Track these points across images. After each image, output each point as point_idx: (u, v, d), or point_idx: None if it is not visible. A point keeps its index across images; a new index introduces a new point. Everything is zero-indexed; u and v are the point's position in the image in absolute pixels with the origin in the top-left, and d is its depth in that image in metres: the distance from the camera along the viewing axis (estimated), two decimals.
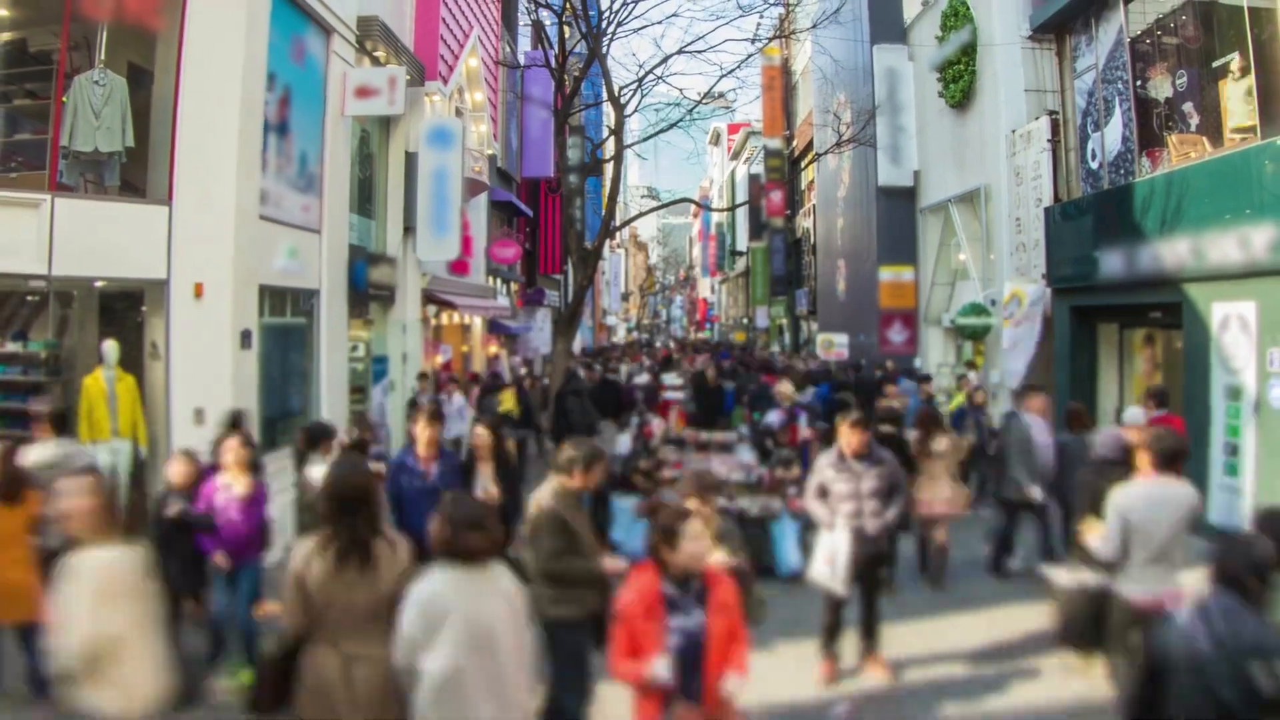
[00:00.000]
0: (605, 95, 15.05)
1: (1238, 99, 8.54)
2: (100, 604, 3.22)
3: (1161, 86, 9.82)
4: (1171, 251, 8.92)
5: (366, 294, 10.89)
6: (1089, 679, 5.07)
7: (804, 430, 9.15)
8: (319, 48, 9.66)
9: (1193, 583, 3.41)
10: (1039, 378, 10.73)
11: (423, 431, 5.48)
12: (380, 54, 10.78)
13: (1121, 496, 4.30)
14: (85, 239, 7.06)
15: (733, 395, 12.76)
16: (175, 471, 5.30)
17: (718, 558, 3.81)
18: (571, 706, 4.12)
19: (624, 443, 9.50)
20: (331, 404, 9.77)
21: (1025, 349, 11.63)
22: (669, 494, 7.67)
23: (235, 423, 6.31)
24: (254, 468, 5.48)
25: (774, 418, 9.36)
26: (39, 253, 6.88)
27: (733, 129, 45.31)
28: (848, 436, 5.32)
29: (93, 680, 3.19)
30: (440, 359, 13.69)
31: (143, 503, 6.82)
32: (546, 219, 22.80)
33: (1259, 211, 7.61)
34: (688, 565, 3.24)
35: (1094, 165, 11.15)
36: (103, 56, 7.57)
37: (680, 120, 16.37)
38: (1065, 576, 4.99)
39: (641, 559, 3.42)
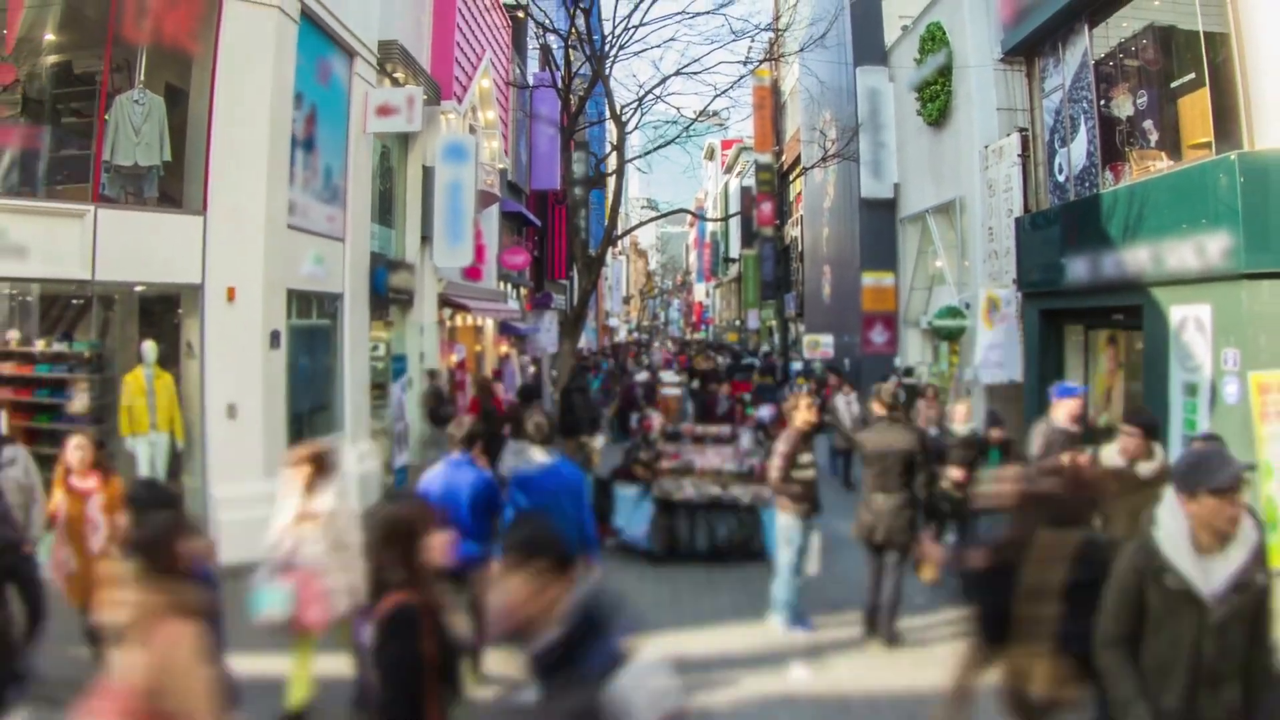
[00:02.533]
0: (608, 113, 15.01)
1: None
2: None
3: (1123, 105, 9.81)
4: (1133, 258, 8.90)
5: (387, 298, 10.89)
6: None
7: None
8: (343, 69, 9.66)
9: None
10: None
11: None
12: (400, 75, 10.77)
13: None
14: (126, 247, 7.07)
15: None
16: None
17: None
18: None
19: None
20: (354, 400, 9.77)
21: (1012, 347, 11.57)
22: (666, 483, 7.68)
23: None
24: None
25: (765, 412, 9.37)
26: (83, 259, 6.90)
27: (726, 145, 45.23)
28: None
29: None
30: (455, 358, 13.69)
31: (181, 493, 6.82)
32: (554, 228, 22.78)
33: (1214, 221, 7.60)
34: None
35: (1061, 178, 11.14)
36: (142, 77, 7.57)
37: (677, 137, 16.32)
38: None
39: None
